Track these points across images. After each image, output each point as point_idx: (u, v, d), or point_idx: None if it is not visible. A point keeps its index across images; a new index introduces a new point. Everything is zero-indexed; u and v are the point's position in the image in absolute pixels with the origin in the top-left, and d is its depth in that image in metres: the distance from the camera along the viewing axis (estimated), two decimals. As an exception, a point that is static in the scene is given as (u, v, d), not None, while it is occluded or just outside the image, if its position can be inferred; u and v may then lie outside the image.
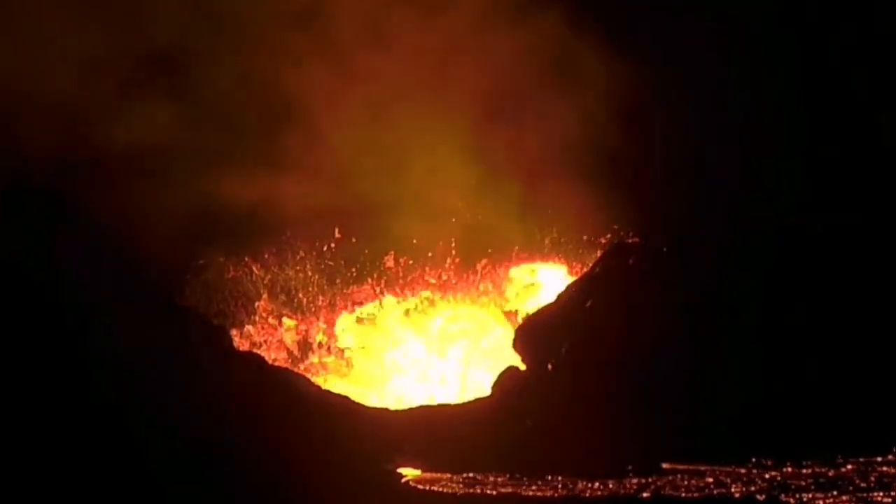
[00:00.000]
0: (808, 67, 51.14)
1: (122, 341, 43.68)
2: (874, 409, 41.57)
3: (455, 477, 41.54)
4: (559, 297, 49.43)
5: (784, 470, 39.88)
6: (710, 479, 39.87)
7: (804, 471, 39.66)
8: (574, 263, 53.70)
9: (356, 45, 53.40)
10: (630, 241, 50.62)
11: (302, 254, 53.95)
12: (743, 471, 40.17)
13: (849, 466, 39.43)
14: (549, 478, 40.72)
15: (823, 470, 39.51)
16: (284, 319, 53.41)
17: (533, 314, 50.89)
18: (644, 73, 51.80)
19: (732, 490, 39.11)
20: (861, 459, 39.65)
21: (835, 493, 38.01)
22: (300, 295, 53.66)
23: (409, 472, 42.31)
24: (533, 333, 49.59)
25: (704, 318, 45.41)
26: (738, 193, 49.32)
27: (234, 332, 52.00)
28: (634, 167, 51.47)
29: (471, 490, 40.58)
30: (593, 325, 47.52)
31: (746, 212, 48.87)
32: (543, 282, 54.15)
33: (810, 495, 38.04)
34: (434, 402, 49.93)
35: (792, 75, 51.25)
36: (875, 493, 37.74)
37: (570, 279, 53.24)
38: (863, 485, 38.28)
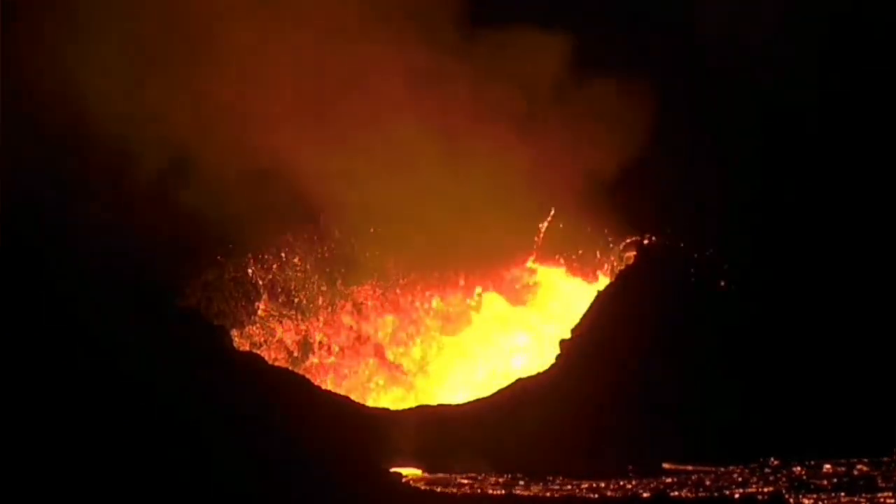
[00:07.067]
0: (807, 68, 51.19)
1: (122, 341, 43.68)
2: (876, 410, 41.53)
3: (455, 477, 41.53)
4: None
5: (790, 470, 39.82)
6: (712, 480, 39.85)
7: (812, 471, 39.60)
8: (574, 263, 53.73)
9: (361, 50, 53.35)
10: (630, 241, 50.76)
11: (302, 254, 53.96)
12: (746, 471, 40.14)
13: (861, 468, 39.36)
14: (550, 478, 40.69)
15: (833, 470, 39.45)
16: (284, 320, 53.41)
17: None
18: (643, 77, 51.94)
19: (734, 491, 39.06)
20: (865, 460, 39.60)
21: (842, 494, 37.96)
22: (300, 295, 53.68)
23: (409, 472, 42.27)
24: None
25: (706, 317, 45.45)
26: (739, 194, 49.35)
27: (234, 332, 51.94)
28: (634, 168, 51.46)
29: (471, 490, 40.57)
30: (594, 325, 47.63)
31: (748, 211, 48.92)
32: (543, 282, 54.21)
33: (814, 496, 37.97)
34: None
35: (789, 76, 51.31)
36: (882, 494, 37.72)
37: (570, 279, 53.32)
38: (882, 484, 38.25)
